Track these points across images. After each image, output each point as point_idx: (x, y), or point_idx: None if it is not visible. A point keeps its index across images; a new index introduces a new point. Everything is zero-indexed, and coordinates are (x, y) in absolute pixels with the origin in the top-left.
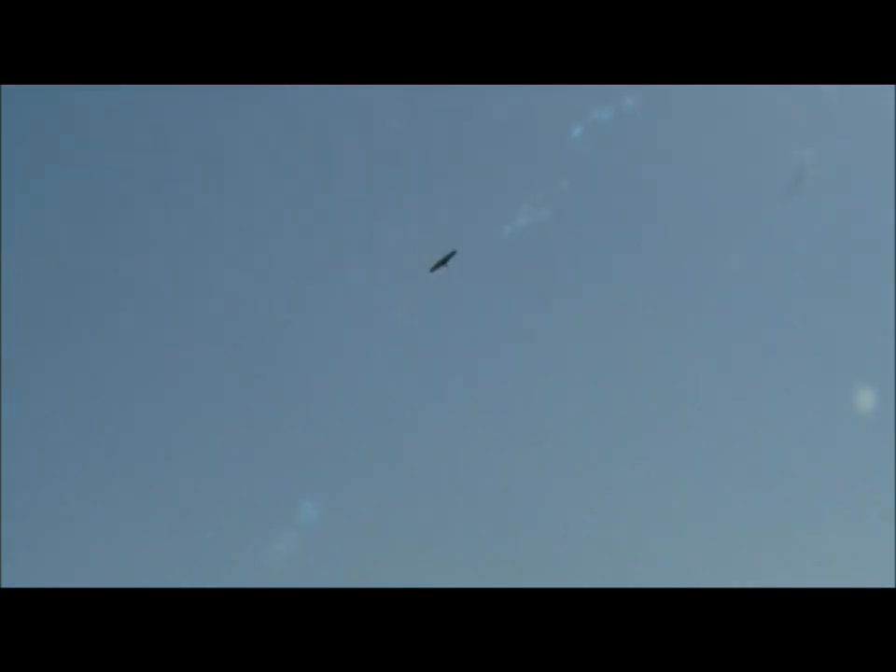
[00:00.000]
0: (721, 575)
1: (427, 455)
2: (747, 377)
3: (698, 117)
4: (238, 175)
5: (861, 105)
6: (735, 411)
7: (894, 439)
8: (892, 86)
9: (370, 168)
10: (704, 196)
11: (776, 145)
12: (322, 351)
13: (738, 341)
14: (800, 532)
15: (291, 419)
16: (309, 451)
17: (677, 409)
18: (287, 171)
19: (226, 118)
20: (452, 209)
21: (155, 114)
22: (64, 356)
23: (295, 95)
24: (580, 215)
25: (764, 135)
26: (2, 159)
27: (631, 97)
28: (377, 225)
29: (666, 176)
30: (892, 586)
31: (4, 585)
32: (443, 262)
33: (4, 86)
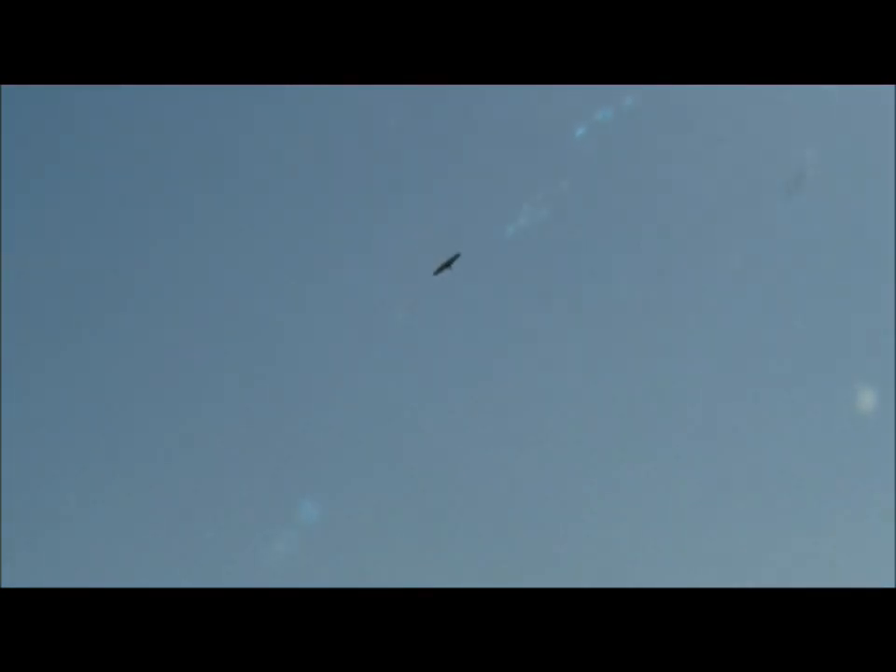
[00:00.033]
0: (721, 575)
1: (427, 455)
2: (747, 377)
3: (698, 117)
4: (238, 175)
5: (861, 105)
6: (735, 410)
7: (894, 439)
8: (892, 86)
9: (370, 168)
10: (704, 196)
11: (776, 145)
12: (322, 351)
13: (738, 340)
14: (800, 532)
15: (291, 419)
16: (309, 451)
17: (677, 409)
18: (287, 171)
19: (226, 118)
20: (452, 209)
21: (155, 114)
22: (64, 356)
23: (295, 95)
24: (580, 214)
25: (765, 135)
26: (2, 159)
27: (631, 97)
28: (377, 225)
29: (666, 176)
30: (892, 586)
31: (4, 585)
32: (447, 265)
33: (4, 86)
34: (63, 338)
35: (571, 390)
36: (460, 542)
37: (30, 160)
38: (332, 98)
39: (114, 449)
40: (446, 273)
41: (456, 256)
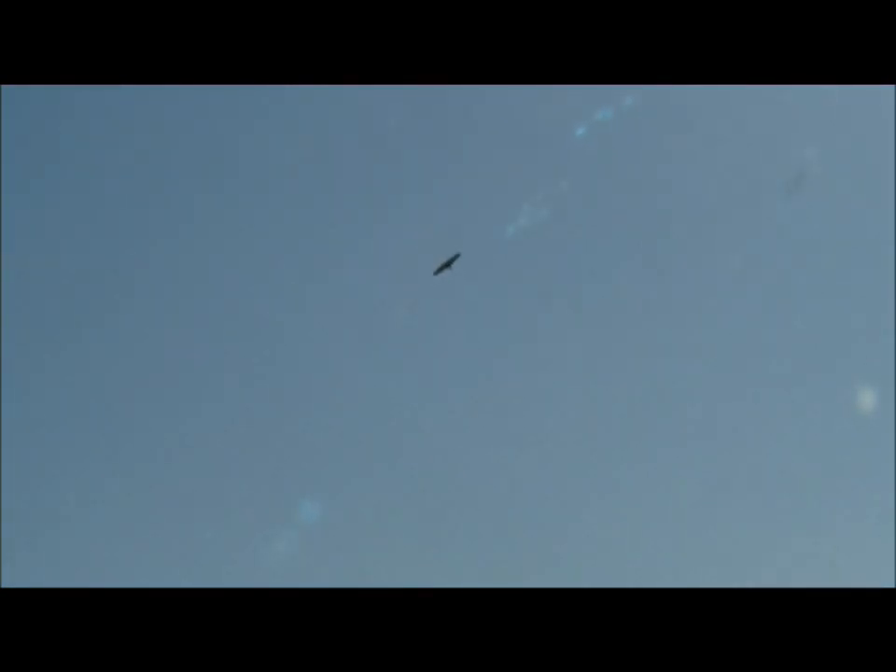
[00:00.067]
0: (722, 575)
1: (427, 455)
2: (747, 377)
3: (698, 117)
4: (238, 175)
5: (861, 104)
6: (736, 410)
7: (894, 439)
8: (892, 86)
9: (370, 168)
10: (704, 196)
11: (776, 145)
12: (322, 351)
13: (738, 340)
14: (800, 532)
15: (291, 419)
16: (309, 451)
17: (677, 408)
18: (287, 171)
19: (226, 118)
20: (452, 209)
21: (155, 114)
22: (64, 356)
23: (295, 95)
24: (580, 214)
25: (765, 135)
26: (2, 159)
27: (631, 97)
28: (377, 225)
29: (666, 176)
30: (892, 586)
31: (4, 585)
32: (447, 265)
33: (4, 86)
34: (63, 338)
35: (571, 390)
36: (460, 542)
37: (30, 160)
38: (332, 98)
39: (114, 449)
40: (446, 273)
41: (456, 256)
